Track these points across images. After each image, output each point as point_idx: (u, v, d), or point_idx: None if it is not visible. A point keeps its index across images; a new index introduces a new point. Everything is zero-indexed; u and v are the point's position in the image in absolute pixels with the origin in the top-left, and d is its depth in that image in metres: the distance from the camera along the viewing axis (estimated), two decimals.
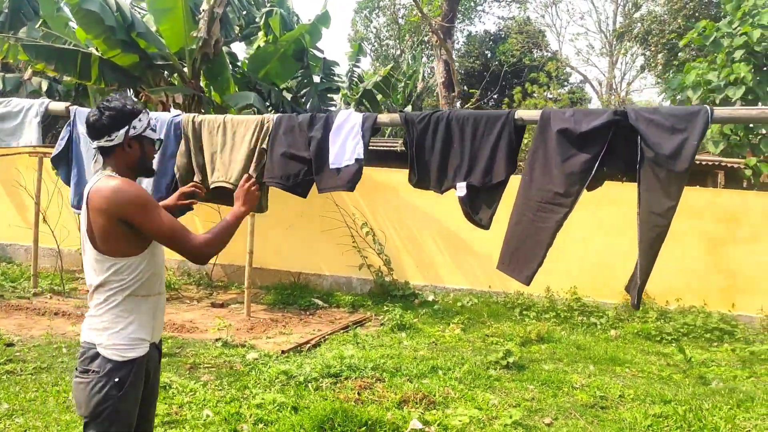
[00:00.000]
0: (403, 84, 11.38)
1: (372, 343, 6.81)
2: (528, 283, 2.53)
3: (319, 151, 2.64)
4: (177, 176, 2.95)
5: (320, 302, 8.88)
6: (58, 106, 3.09)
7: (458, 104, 11.68)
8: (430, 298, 8.99)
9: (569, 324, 7.97)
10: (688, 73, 9.46)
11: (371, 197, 9.41)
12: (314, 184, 2.74)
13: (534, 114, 2.46)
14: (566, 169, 2.25)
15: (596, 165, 2.23)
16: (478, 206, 2.51)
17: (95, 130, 2.36)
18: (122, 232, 2.31)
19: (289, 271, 9.79)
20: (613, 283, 8.67)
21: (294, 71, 10.17)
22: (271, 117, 2.80)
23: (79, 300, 8.28)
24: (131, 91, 10.30)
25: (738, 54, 8.96)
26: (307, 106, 10.51)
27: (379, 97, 10.67)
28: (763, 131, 8.77)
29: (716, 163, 10.99)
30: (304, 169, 2.70)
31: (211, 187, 2.90)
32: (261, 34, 10.59)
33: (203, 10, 8.37)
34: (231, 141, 2.85)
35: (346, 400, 4.89)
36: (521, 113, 2.50)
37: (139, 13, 9.33)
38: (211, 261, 9.15)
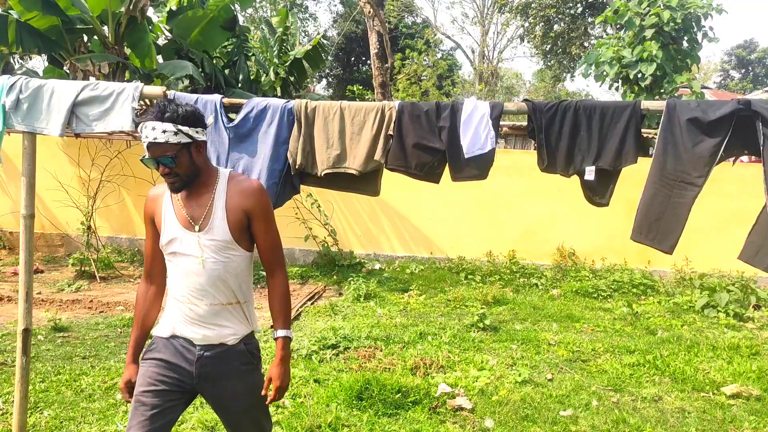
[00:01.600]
0: (275, 44, 11.01)
1: (346, 312, 6.99)
2: (671, 252, 2.85)
3: (452, 140, 2.79)
4: (290, 162, 2.98)
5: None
6: (154, 90, 2.98)
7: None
8: (377, 266, 9.24)
9: (513, 286, 8.54)
10: (604, 50, 10.24)
11: None
12: (444, 171, 2.88)
13: (659, 104, 2.75)
14: (696, 153, 2.57)
15: (722, 149, 2.57)
16: (602, 188, 2.79)
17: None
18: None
19: None
20: (545, 246, 9.37)
21: (224, 39, 9.86)
22: (392, 104, 2.88)
23: (10, 282, 7.74)
24: (47, 57, 9.55)
25: (649, 33, 9.82)
26: (240, 77, 10.23)
27: (307, 66, 10.59)
28: None
29: None
30: (437, 159, 2.83)
31: (326, 173, 2.96)
32: None
33: None
34: (350, 127, 2.91)
35: (359, 369, 5.07)
36: (646, 104, 2.78)
37: None
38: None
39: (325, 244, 9.35)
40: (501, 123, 3.01)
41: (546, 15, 26.68)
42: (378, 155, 2.85)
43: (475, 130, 2.75)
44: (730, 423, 4.43)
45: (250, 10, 28.27)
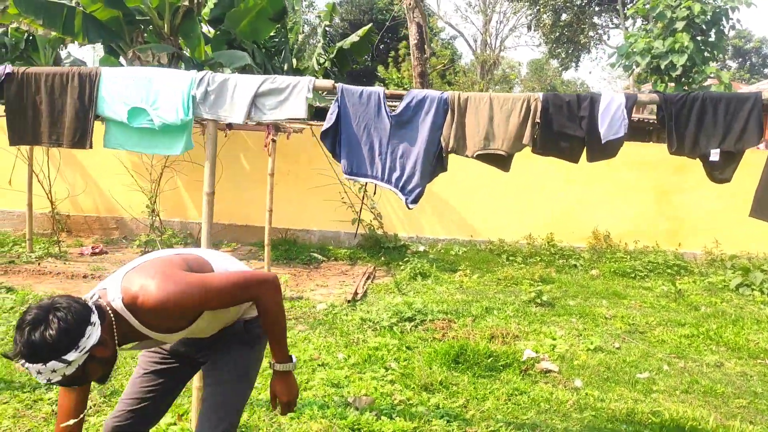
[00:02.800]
0: (321, 35, 11.49)
1: (407, 289, 7.44)
2: None
3: (591, 128, 3.22)
4: (443, 145, 3.41)
5: (319, 256, 9.30)
6: (325, 83, 3.39)
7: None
8: (421, 248, 9.69)
9: (554, 266, 9.00)
10: (636, 41, 10.68)
11: None
12: (583, 153, 3.32)
13: None
14: None
15: None
16: (726, 167, 3.23)
17: None
18: None
19: (275, 227, 10.05)
20: (581, 229, 9.84)
21: (272, 30, 10.22)
22: (537, 96, 3.30)
23: (81, 262, 8.13)
24: (104, 47, 9.89)
25: (680, 25, 10.26)
26: (284, 66, 10.60)
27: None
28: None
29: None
30: (577, 144, 3.27)
31: (477, 154, 3.39)
32: None
33: None
34: (499, 114, 3.33)
35: (442, 338, 5.53)
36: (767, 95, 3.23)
37: None
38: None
39: (371, 228, 9.78)
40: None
41: (554, 5, 27.05)
42: (526, 139, 3.28)
43: (612, 118, 3.19)
44: None
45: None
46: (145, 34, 9.56)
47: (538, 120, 3.25)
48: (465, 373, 4.72)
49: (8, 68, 3.44)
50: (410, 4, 11.48)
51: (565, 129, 3.23)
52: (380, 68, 28.19)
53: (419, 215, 10.09)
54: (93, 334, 1.89)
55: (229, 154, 9.44)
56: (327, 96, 10.49)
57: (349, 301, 6.66)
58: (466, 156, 3.39)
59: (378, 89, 3.39)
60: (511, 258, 9.30)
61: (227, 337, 2.37)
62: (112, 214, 10.10)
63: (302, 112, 3.34)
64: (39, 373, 1.82)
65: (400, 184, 3.43)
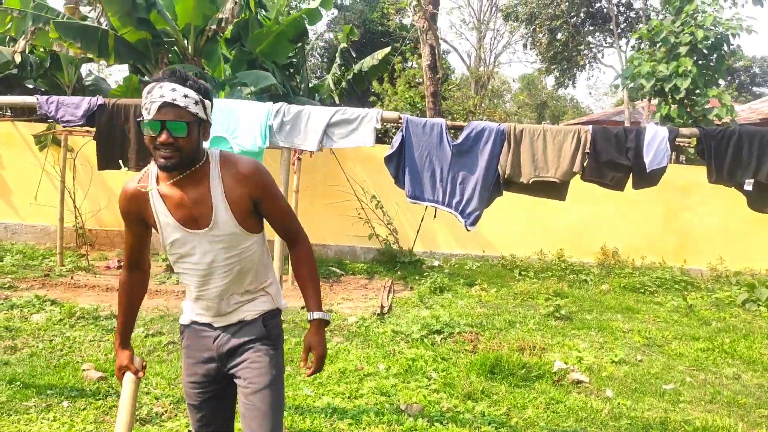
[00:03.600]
0: (338, 56, 11.95)
1: (430, 303, 7.71)
2: None
3: (637, 158, 3.54)
4: (500, 171, 3.71)
5: (337, 270, 9.56)
6: (391, 115, 3.68)
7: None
8: (436, 263, 9.98)
9: (566, 281, 9.31)
10: (640, 65, 11.07)
11: (372, 173, 10.11)
12: (629, 181, 3.64)
13: None
14: None
15: None
16: (762, 197, 3.56)
17: None
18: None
19: None
20: (590, 245, 10.17)
21: (291, 50, 10.54)
22: (587, 129, 3.63)
23: (110, 275, 8.36)
24: (130, 67, 10.16)
25: (683, 50, 10.66)
26: (302, 86, 10.91)
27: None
28: (710, 116, 10.58)
29: None
30: (624, 172, 3.59)
31: (532, 180, 3.69)
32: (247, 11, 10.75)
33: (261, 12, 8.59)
34: (552, 145, 3.64)
35: (473, 350, 5.81)
36: None
37: None
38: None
39: (387, 242, 10.06)
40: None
41: (550, 25, 27.56)
42: (576, 167, 3.59)
43: (656, 150, 3.50)
44: None
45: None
46: (170, 55, 9.83)
47: (588, 150, 3.56)
48: (502, 383, 5.00)
49: (100, 99, 3.72)
50: (424, 26, 11.85)
51: (613, 158, 3.54)
52: (375, 83, 28.63)
53: (434, 230, 10.38)
54: (210, 111, 2.15)
55: None
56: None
57: (377, 314, 6.93)
58: (521, 182, 3.69)
59: (440, 120, 3.70)
60: (523, 273, 9.60)
61: (250, 341, 2.33)
62: None
63: (371, 141, 3.65)
64: (173, 90, 2.01)
65: (460, 208, 3.73)
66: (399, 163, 3.74)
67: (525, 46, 30.41)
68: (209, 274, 2.24)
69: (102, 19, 9.76)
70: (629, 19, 28.40)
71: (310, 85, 11.31)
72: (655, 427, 4.35)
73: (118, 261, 9.05)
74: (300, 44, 10.73)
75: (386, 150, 3.83)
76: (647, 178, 3.54)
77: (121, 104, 3.77)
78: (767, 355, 6.23)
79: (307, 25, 10.14)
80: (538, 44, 28.86)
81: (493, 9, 37.32)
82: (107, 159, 3.81)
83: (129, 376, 2.40)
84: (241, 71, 10.00)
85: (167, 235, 2.21)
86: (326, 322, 2.37)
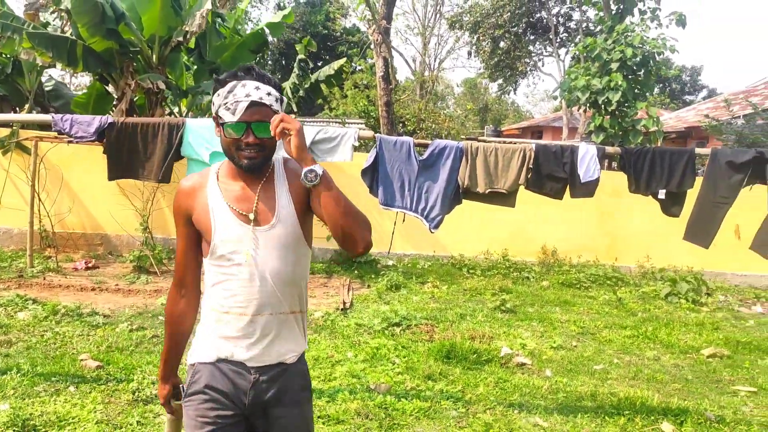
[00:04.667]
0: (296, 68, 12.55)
1: (388, 299, 8.38)
2: (707, 247, 4.40)
3: (572, 171, 4.28)
4: (460, 182, 4.40)
5: None
6: (367, 134, 4.32)
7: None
8: (390, 263, 10.66)
9: (510, 278, 10.13)
10: (576, 78, 12.04)
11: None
12: (567, 191, 4.37)
13: (706, 151, 4.32)
14: (731, 183, 4.14)
15: (745, 180, 4.14)
16: (672, 204, 4.34)
17: None
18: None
19: None
20: (531, 245, 11.04)
21: (251, 60, 11.03)
22: (531, 147, 4.35)
23: (79, 276, 8.71)
24: (95, 75, 10.46)
25: (614, 66, 11.67)
26: None
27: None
28: (638, 127, 11.61)
29: None
30: (562, 184, 4.32)
31: (487, 191, 4.39)
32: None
33: (207, 10, 9.04)
34: (502, 161, 4.35)
35: (430, 339, 6.50)
36: (699, 151, 4.34)
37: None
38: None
39: None
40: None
41: (493, 34, 28.69)
42: (521, 180, 4.31)
43: (587, 164, 4.26)
44: (713, 373, 6.11)
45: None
46: (135, 64, 10.21)
47: (530, 165, 4.29)
48: (456, 366, 5.70)
49: (110, 119, 4.23)
50: (377, 39, 12.54)
51: (552, 172, 4.27)
52: (323, 86, 29.28)
53: (387, 232, 11.04)
54: (284, 107, 2.10)
55: None
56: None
57: (340, 310, 7.56)
58: (477, 192, 4.39)
59: (409, 139, 4.36)
60: (471, 271, 10.38)
61: (293, 393, 2.13)
62: (97, 231, 10.64)
63: (349, 157, 4.27)
64: (257, 88, 1.94)
65: (425, 214, 4.40)
66: (373, 176, 4.38)
67: (469, 53, 31.54)
68: (255, 280, 2.03)
69: (66, 27, 10.07)
70: (568, 29, 29.85)
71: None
72: (587, 399, 5.12)
73: (86, 262, 9.39)
74: (260, 54, 11.24)
75: (359, 162, 4.50)
76: (583, 189, 4.28)
77: (129, 122, 4.30)
78: (684, 340, 7.14)
79: (268, 37, 10.66)
80: (481, 52, 29.96)
81: (438, 15, 38.30)
82: (116, 170, 4.31)
83: (168, 417, 2.27)
84: (202, 80, 10.45)
85: (219, 232, 2.02)
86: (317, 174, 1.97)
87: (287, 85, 11.76)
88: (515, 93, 42.37)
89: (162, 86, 9.54)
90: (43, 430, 3.97)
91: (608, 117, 11.86)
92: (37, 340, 5.70)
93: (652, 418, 4.76)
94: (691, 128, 18.93)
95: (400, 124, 19.96)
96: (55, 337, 5.80)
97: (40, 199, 9.26)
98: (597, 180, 4.30)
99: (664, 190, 4.25)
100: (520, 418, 4.68)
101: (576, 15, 28.92)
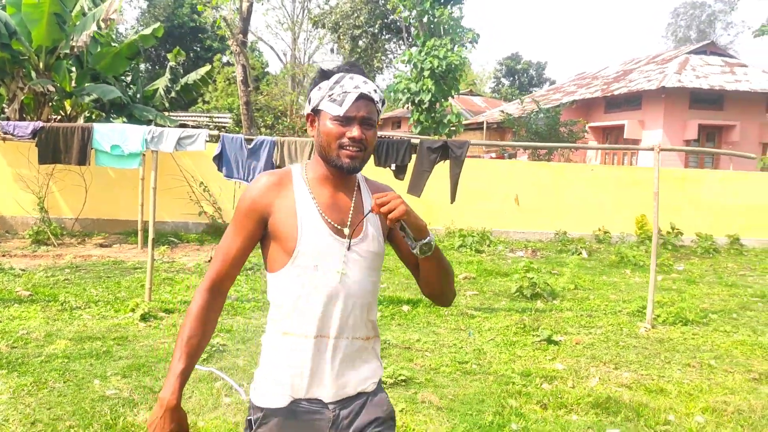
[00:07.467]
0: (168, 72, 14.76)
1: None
2: (419, 197, 7.36)
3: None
4: (274, 161, 7.11)
5: (175, 240, 12.47)
6: (214, 132, 6.91)
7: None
8: None
9: None
10: (399, 82, 15.12)
11: (199, 165, 13.07)
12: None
13: (416, 140, 7.26)
14: (430, 159, 7.11)
15: (438, 156, 7.10)
16: (399, 172, 7.24)
17: None
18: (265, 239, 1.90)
19: (129, 220, 13.03)
20: None
21: (127, 66, 13.14)
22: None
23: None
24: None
25: (426, 73, 14.85)
26: (138, 95, 13.49)
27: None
28: (445, 120, 14.87)
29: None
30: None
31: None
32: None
33: (93, 31, 11.16)
34: (299, 148, 7.12)
35: None
36: (413, 140, 7.27)
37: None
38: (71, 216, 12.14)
39: (213, 218, 13.12)
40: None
41: (352, 33, 31.66)
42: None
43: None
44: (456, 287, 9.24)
45: None
46: (24, 70, 12.12)
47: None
48: None
49: (40, 123, 6.60)
50: (236, 49, 14.93)
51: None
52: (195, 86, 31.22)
53: None
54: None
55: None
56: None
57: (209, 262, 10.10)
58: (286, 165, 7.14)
59: (240, 136, 7.03)
60: None
61: (376, 425, 1.89)
62: None
63: (203, 147, 6.90)
64: (365, 82, 1.80)
65: (250, 181, 7.06)
66: (220, 159, 6.99)
67: (332, 50, 34.36)
68: (339, 299, 1.82)
69: None
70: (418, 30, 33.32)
71: (145, 94, 13.96)
72: None
73: None
74: (134, 60, 13.39)
75: (211, 151, 7.10)
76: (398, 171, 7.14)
77: (55, 127, 6.66)
78: (469, 272, 10.29)
79: (141, 46, 12.88)
80: (342, 49, 32.85)
81: (306, 11, 40.73)
82: (45, 158, 6.69)
83: None
84: (84, 83, 12.51)
85: (306, 241, 1.80)
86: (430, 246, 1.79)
87: (160, 87, 14.00)
88: None
89: (51, 89, 11.55)
90: (6, 321, 6.31)
91: (424, 113, 15.05)
92: None
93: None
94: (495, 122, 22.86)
95: (261, 119, 22.42)
96: None
97: None
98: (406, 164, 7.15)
99: (394, 164, 7.17)
100: None
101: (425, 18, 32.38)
